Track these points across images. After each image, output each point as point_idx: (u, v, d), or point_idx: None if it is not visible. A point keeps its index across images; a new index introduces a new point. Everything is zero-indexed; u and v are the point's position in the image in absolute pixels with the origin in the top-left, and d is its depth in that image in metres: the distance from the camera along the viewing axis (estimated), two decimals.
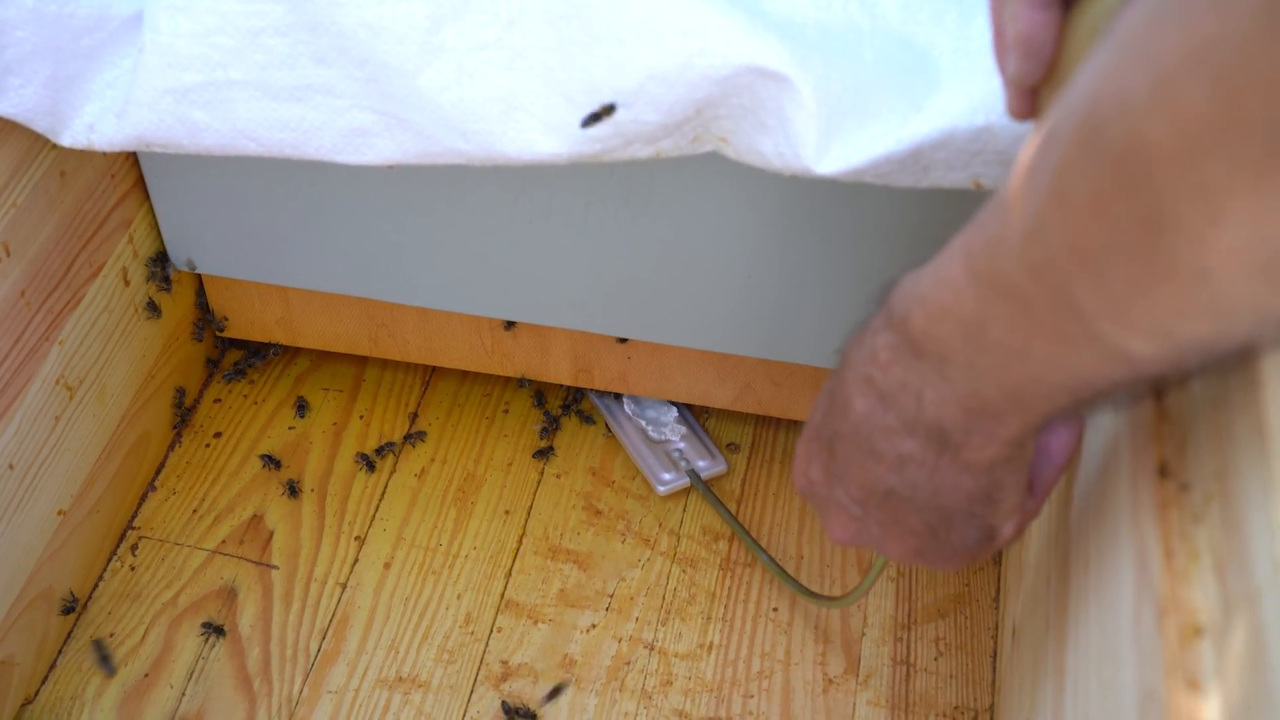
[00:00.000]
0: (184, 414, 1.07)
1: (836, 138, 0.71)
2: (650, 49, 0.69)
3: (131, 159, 0.94)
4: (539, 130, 0.73)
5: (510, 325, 1.00)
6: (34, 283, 0.86)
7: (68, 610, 0.93)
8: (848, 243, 0.86)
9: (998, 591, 0.98)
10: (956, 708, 0.92)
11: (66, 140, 0.80)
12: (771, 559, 0.99)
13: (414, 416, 1.08)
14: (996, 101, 0.69)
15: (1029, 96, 0.57)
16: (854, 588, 0.94)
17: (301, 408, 1.08)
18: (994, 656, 0.94)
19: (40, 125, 0.79)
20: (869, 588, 0.84)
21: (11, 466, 0.86)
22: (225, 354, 1.11)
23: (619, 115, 0.71)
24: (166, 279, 0.98)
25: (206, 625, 0.94)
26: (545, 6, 0.71)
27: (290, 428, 1.07)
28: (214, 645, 0.94)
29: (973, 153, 0.69)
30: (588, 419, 1.08)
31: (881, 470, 0.58)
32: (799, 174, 0.73)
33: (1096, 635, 0.58)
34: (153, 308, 0.98)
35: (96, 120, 0.79)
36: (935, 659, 0.95)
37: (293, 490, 1.02)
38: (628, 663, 0.94)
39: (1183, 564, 0.47)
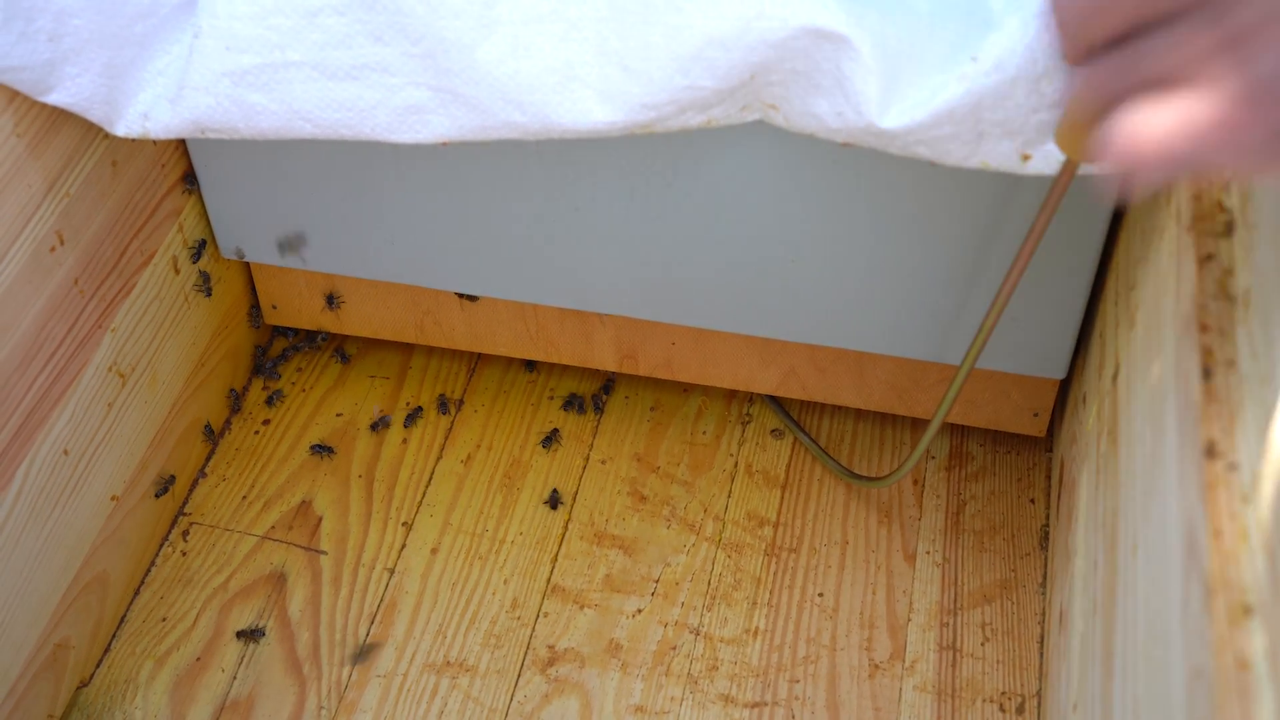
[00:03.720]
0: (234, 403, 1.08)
1: (896, 92, 0.71)
2: (708, 15, 0.70)
3: (181, 149, 0.95)
4: (595, 100, 0.74)
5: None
6: (87, 271, 0.87)
7: (162, 492, 0.99)
8: (892, 227, 0.86)
9: (1044, 577, 0.97)
10: (1003, 693, 0.92)
11: (121, 130, 0.81)
12: (813, 440, 1.05)
13: (460, 403, 1.09)
14: (1051, 45, 0.69)
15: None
16: (894, 470, 0.98)
17: (345, 357, 1.11)
18: (1041, 642, 0.94)
19: (96, 115, 0.80)
20: (909, 470, 0.94)
21: (66, 452, 0.87)
22: (273, 342, 1.13)
23: (675, 82, 0.72)
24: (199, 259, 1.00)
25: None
26: None
27: (338, 414, 1.08)
28: (264, 630, 0.95)
29: (1030, 110, 0.69)
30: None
31: None
32: (858, 134, 0.73)
33: (1144, 617, 0.58)
34: (204, 279, 1.00)
35: (151, 108, 0.80)
36: (982, 644, 0.94)
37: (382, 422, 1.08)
38: (673, 648, 0.95)
39: (1231, 544, 0.47)
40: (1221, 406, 0.51)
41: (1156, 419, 0.60)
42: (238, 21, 0.75)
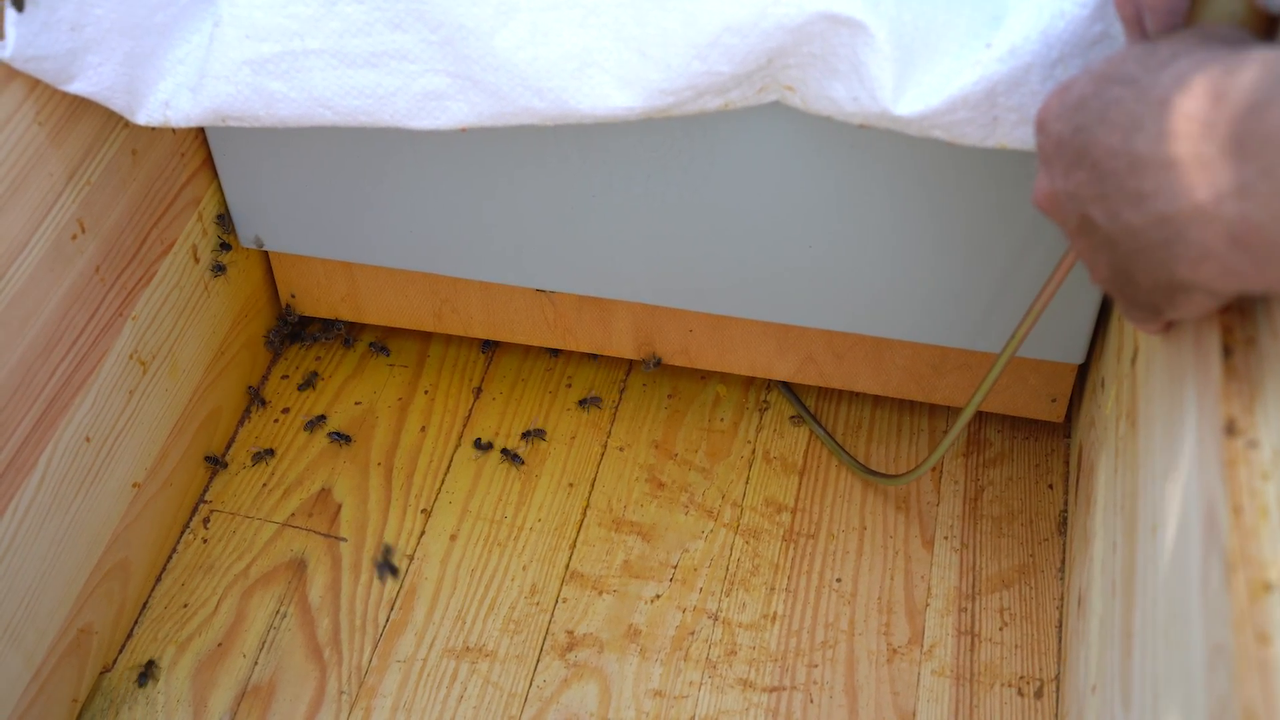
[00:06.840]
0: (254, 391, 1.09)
1: (911, 78, 0.71)
2: (724, 0, 0.70)
3: (200, 138, 0.96)
4: (613, 85, 0.74)
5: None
6: (108, 259, 0.88)
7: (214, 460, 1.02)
8: (911, 211, 0.86)
9: (1063, 561, 0.97)
10: (1022, 677, 0.92)
11: (142, 118, 0.81)
12: (830, 435, 1.05)
13: (478, 391, 1.09)
14: (1066, 32, 0.69)
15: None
16: (912, 468, 0.97)
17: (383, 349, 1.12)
18: (1059, 626, 0.94)
19: (117, 104, 0.80)
20: (927, 470, 0.93)
21: (88, 439, 0.87)
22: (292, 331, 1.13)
23: (693, 67, 0.72)
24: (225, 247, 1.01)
25: None
26: None
27: (357, 403, 1.09)
28: (285, 616, 0.96)
29: (1045, 95, 0.69)
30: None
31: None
32: (873, 118, 0.73)
33: (1164, 596, 0.58)
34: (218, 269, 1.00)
35: (172, 96, 0.80)
36: (1000, 629, 0.94)
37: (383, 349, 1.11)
38: (692, 633, 0.95)
39: (1252, 520, 0.47)
40: (1242, 384, 0.51)
41: (1176, 398, 0.60)
42: (258, 10, 0.76)
